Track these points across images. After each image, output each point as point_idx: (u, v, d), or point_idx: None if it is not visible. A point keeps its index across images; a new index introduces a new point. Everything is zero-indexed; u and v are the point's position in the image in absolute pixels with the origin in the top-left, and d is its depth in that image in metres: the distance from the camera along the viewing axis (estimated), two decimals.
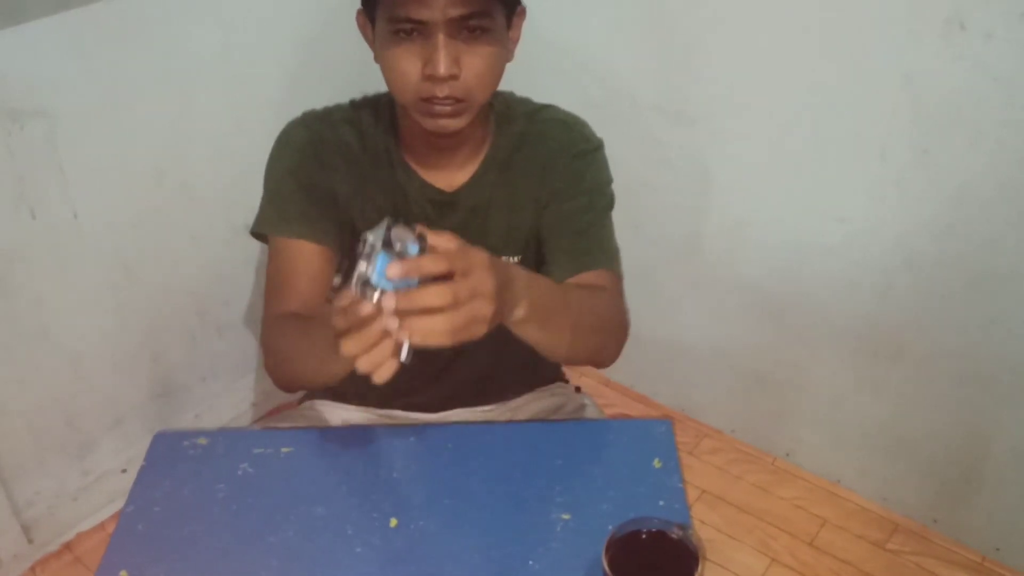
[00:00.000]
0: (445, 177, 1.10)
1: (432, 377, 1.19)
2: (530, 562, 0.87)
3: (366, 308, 0.74)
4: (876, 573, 1.68)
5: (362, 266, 0.73)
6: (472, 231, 1.07)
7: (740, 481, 1.88)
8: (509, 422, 1.20)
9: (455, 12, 0.91)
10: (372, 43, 1.01)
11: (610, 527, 0.81)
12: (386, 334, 0.74)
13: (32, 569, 1.69)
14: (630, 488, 0.95)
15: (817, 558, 1.71)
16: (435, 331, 0.74)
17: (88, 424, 1.71)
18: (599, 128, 1.15)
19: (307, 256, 1.06)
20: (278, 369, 1.05)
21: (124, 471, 1.76)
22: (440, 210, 1.10)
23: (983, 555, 1.70)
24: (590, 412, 1.22)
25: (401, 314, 0.73)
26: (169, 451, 1.01)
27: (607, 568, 0.78)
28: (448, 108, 0.96)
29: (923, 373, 1.61)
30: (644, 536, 0.81)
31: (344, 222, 1.09)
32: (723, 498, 1.84)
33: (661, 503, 0.93)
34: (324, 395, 1.23)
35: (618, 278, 1.10)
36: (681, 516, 0.90)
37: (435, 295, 0.73)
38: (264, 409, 2.02)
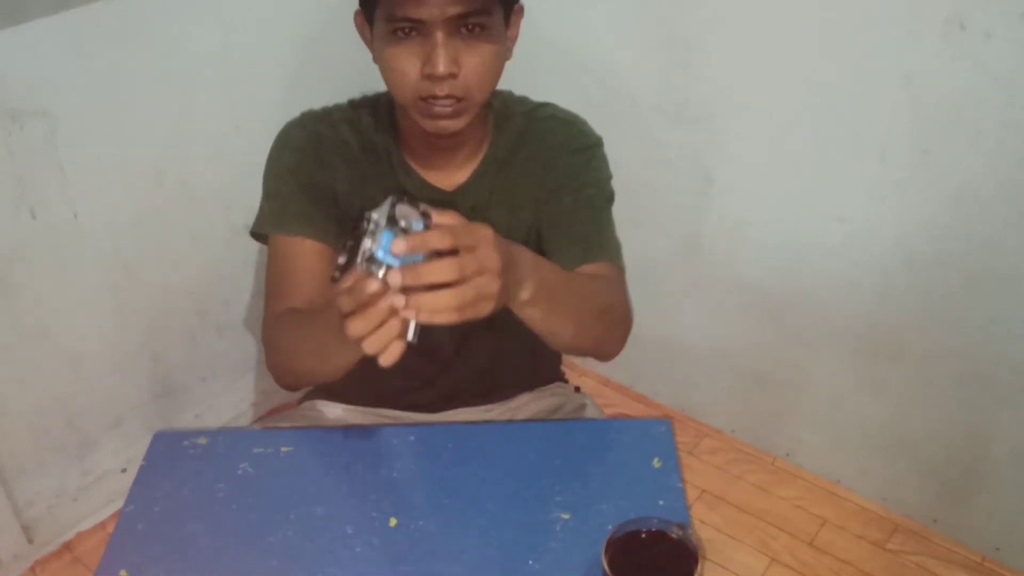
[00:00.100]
0: (445, 176, 1.10)
1: (432, 377, 1.19)
2: (530, 562, 0.87)
3: (372, 285, 0.73)
4: (876, 573, 1.68)
5: (367, 243, 0.73)
6: None
7: (740, 481, 1.88)
8: (509, 422, 1.20)
9: (453, 11, 0.91)
10: (370, 44, 1.01)
11: (610, 527, 0.81)
12: (393, 312, 0.74)
13: (32, 569, 1.69)
14: (630, 488, 0.95)
15: (817, 558, 1.71)
16: (442, 307, 0.73)
17: (88, 424, 1.71)
18: (599, 128, 1.15)
19: (308, 254, 1.06)
20: (280, 366, 1.05)
21: (124, 471, 1.76)
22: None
23: (983, 555, 1.70)
24: (590, 412, 1.22)
25: (407, 291, 0.73)
26: (169, 451, 1.01)
27: (607, 568, 0.78)
28: (448, 108, 0.96)
29: (923, 373, 1.62)
30: (644, 536, 0.81)
31: (344, 222, 1.09)
32: (723, 498, 1.84)
33: (661, 503, 0.92)
34: (324, 395, 1.23)
35: (621, 270, 1.10)
36: (681, 516, 0.90)
37: (441, 269, 0.73)
38: (264, 409, 2.02)
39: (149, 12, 1.50)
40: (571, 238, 1.09)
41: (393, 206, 0.74)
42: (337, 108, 1.12)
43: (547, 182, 1.11)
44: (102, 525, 1.77)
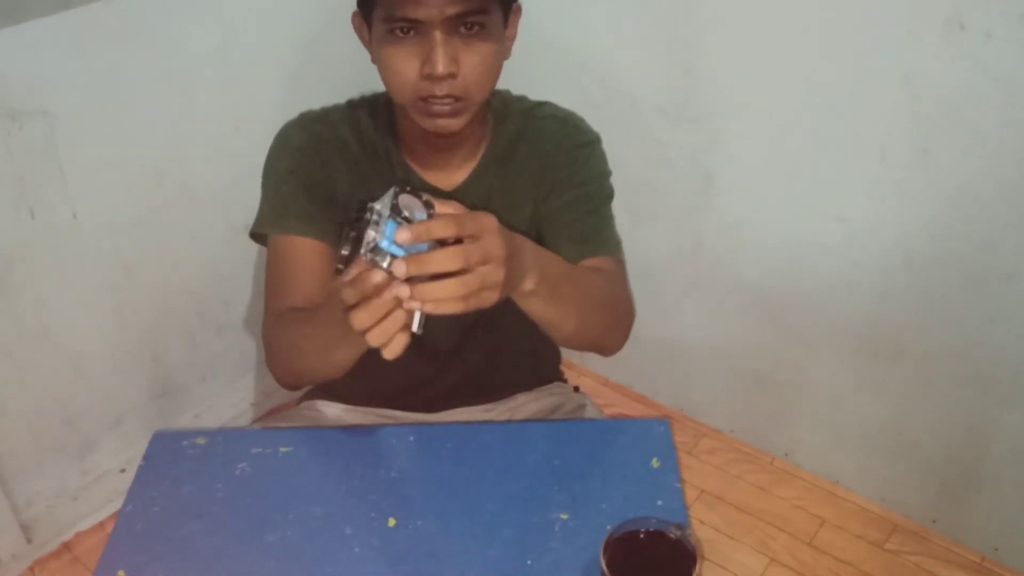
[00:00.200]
0: (444, 176, 1.10)
1: (431, 376, 1.19)
2: (528, 562, 0.87)
3: (377, 276, 0.73)
4: (875, 573, 1.68)
5: (371, 233, 0.72)
6: None
7: (739, 481, 1.88)
8: (508, 422, 1.20)
9: (452, 10, 0.91)
10: (369, 45, 1.01)
11: (608, 527, 0.81)
12: (397, 303, 0.74)
13: (31, 569, 1.69)
14: (628, 488, 0.95)
15: (816, 558, 1.71)
16: (447, 296, 0.73)
17: (88, 424, 1.71)
18: (599, 128, 1.15)
19: (308, 253, 1.07)
20: (281, 364, 1.05)
21: (123, 471, 1.76)
22: None
23: (982, 555, 1.70)
24: (589, 412, 1.22)
25: (412, 280, 0.73)
26: (168, 451, 1.01)
27: (605, 568, 0.78)
28: (447, 108, 0.96)
29: (922, 373, 1.61)
30: (642, 536, 0.81)
31: (343, 221, 1.09)
32: (722, 498, 1.84)
33: (659, 503, 0.92)
34: (323, 395, 1.24)
35: (622, 265, 1.10)
36: (679, 516, 0.90)
37: (446, 258, 0.72)
38: (264, 409, 2.02)
39: (149, 12, 1.50)
40: (571, 233, 1.09)
41: (396, 196, 0.74)
42: (336, 109, 1.12)
43: (546, 180, 1.11)
44: (101, 525, 1.77)
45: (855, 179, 1.53)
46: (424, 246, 0.73)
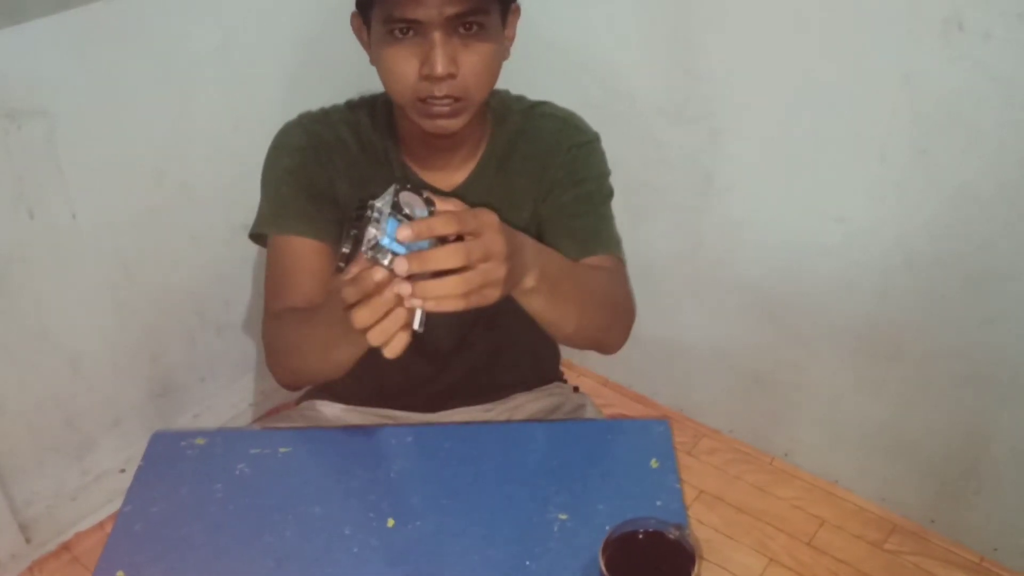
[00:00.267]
0: (443, 176, 1.10)
1: (431, 375, 1.19)
2: (527, 562, 0.87)
3: (378, 274, 0.73)
4: (874, 573, 1.68)
5: (372, 231, 0.72)
6: None
7: (738, 481, 1.88)
8: (507, 422, 1.20)
9: (451, 10, 0.91)
10: (367, 46, 1.01)
11: (607, 527, 0.81)
12: (398, 302, 0.74)
13: (30, 569, 1.69)
14: (627, 488, 0.95)
15: (815, 558, 1.71)
16: (449, 294, 0.73)
17: (87, 424, 1.71)
18: (599, 128, 1.15)
19: (307, 253, 1.07)
20: (281, 364, 1.05)
21: (123, 471, 1.76)
22: None
23: (981, 555, 1.70)
24: (588, 412, 1.22)
25: (413, 279, 0.72)
26: (167, 451, 1.01)
27: (604, 568, 0.78)
28: (446, 108, 0.96)
29: (922, 373, 1.61)
30: (641, 536, 0.81)
31: (343, 222, 1.09)
32: (721, 498, 1.84)
33: (658, 503, 0.92)
34: (323, 395, 1.24)
35: (622, 263, 1.10)
36: (678, 516, 0.90)
37: (448, 255, 0.72)
38: (263, 409, 2.02)
39: (149, 12, 1.50)
40: (571, 232, 1.09)
41: (397, 194, 0.74)
42: (335, 109, 1.12)
43: (545, 179, 1.11)
44: (100, 525, 1.77)
45: (855, 179, 1.53)
46: (425, 243, 0.73)
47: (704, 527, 1.77)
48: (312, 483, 0.98)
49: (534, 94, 1.16)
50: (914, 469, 1.72)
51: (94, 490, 1.75)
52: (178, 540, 0.91)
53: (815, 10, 1.44)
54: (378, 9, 0.94)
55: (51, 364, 1.61)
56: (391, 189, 0.75)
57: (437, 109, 0.97)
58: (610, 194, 1.13)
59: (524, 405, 1.25)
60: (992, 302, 1.48)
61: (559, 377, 1.33)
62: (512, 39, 1.04)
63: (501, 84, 1.04)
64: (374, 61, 0.99)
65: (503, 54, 1.01)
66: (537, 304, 0.89)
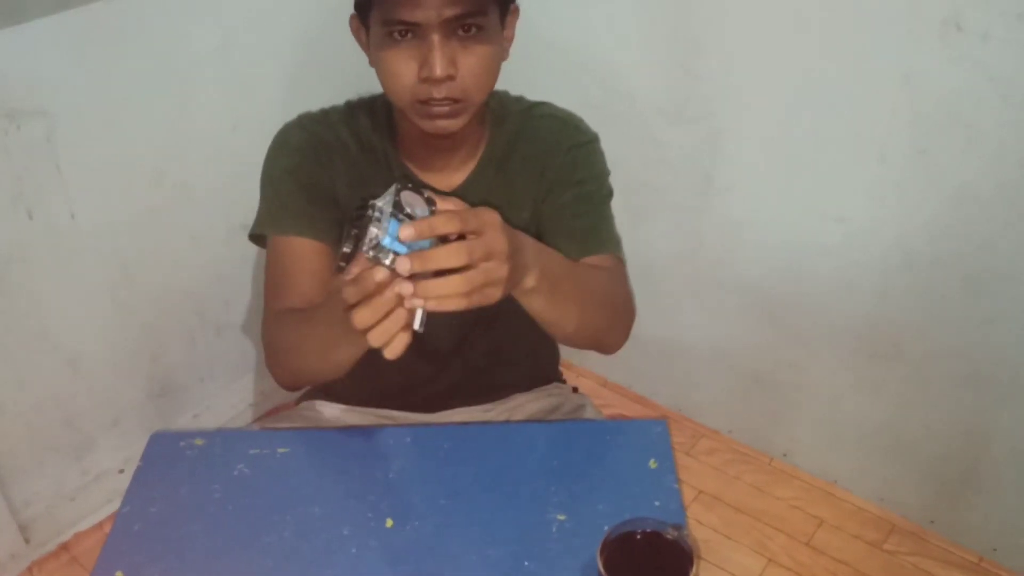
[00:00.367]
0: (443, 177, 1.10)
1: (430, 376, 1.19)
2: (526, 563, 0.87)
3: (379, 274, 0.73)
4: (873, 573, 1.68)
5: (373, 231, 0.72)
6: None
7: (737, 481, 1.88)
8: (506, 422, 1.20)
9: (450, 12, 0.91)
10: (366, 47, 1.01)
11: (605, 528, 0.81)
12: (399, 302, 0.73)
13: (29, 569, 1.69)
14: (626, 489, 0.95)
15: (814, 558, 1.71)
16: (450, 293, 0.73)
17: (86, 424, 1.71)
18: (599, 129, 1.15)
19: (307, 253, 1.06)
20: (281, 365, 1.05)
21: (122, 471, 1.76)
22: None
23: (980, 555, 1.70)
24: (588, 412, 1.22)
25: (414, 278, 0.72)
26: (166, 451, 1.01)
27: (602, 569, 0.78)
28: (446, 108, 0.96)
29: (921, 373, 1.62)
30: (639, 537, 0.81)
31: (342, 222, 1.09)
32: (720, 498, 1.84)
33: (656, 504, 0.92)
34: (322, 395, 1.24)
35: (622, 263, 1.10)
36: (676, 517, 0.90)
37: (450, 254, 0.72)
38: (263, 409, 2.02)
39: (148, 12, 1.50)
40: (571, 232, 1.09)
41: (398, 193, 0.74)
42: (334, 110, 1.12)
43: (545, 180, 1.11)
44: (100, 525, 1.77)
45: (855, 179, 1.53)
46: (427, 243, 0.73)
47: (703, 527, 1.78)
48: (311, 483, 0.98)
49: (534, 94, 1.16)
50: (913, 469, 1.72)
51: (93, 490, 1.75)
52: (177, 540, 0.91)
53: (815, 10, 1.44)
54: (376, 11, 0.94)
55: (50, 364, 1.61)
56: (392, 189, 0.74)
57: (436, 110, 0.97)
58: (610, 194, 1.13)
59: (523, 405, 1.25)
60: (992, 302, 1.48)
61: (558, 377, 1.33)
62: (511, 40, 1.04)
63: (501, 84, 1.04)
64: (373, 63, 0.99)
65: (502, 55, 1.01)
66: (538, 304, 0.89)
